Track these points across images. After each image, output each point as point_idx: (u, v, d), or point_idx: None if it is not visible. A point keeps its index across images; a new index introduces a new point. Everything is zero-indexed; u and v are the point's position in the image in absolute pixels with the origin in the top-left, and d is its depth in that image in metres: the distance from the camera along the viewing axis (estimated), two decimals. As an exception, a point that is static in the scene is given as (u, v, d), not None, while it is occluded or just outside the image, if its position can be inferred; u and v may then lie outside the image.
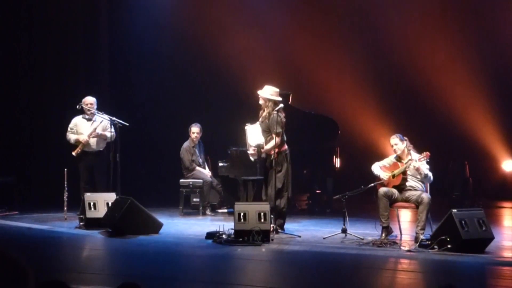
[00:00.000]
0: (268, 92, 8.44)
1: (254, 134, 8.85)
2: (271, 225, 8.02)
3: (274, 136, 8.30)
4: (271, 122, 8.32)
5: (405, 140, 8.01)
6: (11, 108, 12.16)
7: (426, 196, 7.78)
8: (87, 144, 9.68)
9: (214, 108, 12.85)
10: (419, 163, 7.76)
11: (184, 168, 10.77)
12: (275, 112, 8.30)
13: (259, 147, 8.63)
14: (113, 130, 9.66)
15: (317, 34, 13.14)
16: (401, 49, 12.76)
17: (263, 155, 8.65)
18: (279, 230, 8.41)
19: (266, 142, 8.50)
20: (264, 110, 8.50)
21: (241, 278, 6.46)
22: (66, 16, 12.52)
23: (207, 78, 13.21)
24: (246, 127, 8.87)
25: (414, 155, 7.93)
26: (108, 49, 13.07)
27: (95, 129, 9.70)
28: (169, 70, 13.15)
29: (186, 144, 10.81)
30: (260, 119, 8.56)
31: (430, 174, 7.86)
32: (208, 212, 10.64)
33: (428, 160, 7.82)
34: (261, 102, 8.50)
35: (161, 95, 13.10)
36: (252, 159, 8.91)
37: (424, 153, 7.78)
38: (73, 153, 9.68)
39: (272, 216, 8.09)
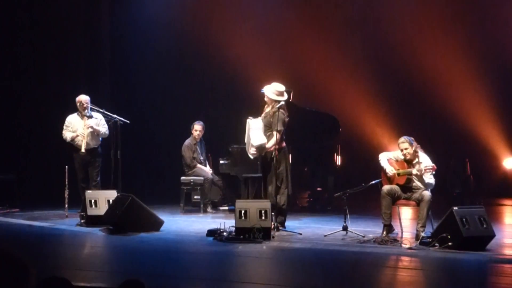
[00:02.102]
0: (271, 91, 8.40)
1: (256, 132, 8.60)
2: (272, 223, 8.02)
3: (275, 133, 8.29)
4: (275, 119, 8.31)
5: (413, 141, 7.98)
6: (12, 105, 12.15)
7: (426, 193, 7.78)
8: (86, 137, 9.63)
9: (215, 106, 12.85)
10: (424, 172, 7.75)
11: (185, 165, 10.78)
12: (280, 110, 8.29)
13: (261, 148, 8.46)
14: (106, 126, 9.67)
15: (319, 32, 13.13)
16: (403, 46, 12.75)
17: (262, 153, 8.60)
18: (280, 228, 8.41)
19: (266, 138, 8.47)
20: (268, 106, 8.49)
21: (242, 276, 6.46)
22: (67, 15, 12.53)
23: (209, 75, 13.21)
24: (248, 120, 8.71)
25: (423, 156, 7.90)
26: (109, 47, 13.07)
27: (87, 118, 9.65)
28: (170, 67, 13.15)
29: (187, 142, 10.83)
30: (263, 114, 8.52)
31: (432, 181, 7.86)
32: (209, 209, 10.65)
33: (433, 173, 7.81)
34: (266, 98, 8.48)
35: (162, 92, 13.10)
36: (251, 157, 8.80)
37: (431, 165, 7.76)
38: (82, 150, 9.61)
39: (272, 213, 8.10)
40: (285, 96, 8.48)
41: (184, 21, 12.99)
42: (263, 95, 8.53)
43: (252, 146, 8.52)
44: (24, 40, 12.30)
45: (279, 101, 8.35)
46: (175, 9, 13.04)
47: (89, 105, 9.73)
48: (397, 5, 13.01)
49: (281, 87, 8.44)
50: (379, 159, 8.18)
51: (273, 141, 8.32)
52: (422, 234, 7.61)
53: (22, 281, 2.47)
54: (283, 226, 8.52)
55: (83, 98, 9.74)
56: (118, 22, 13.08)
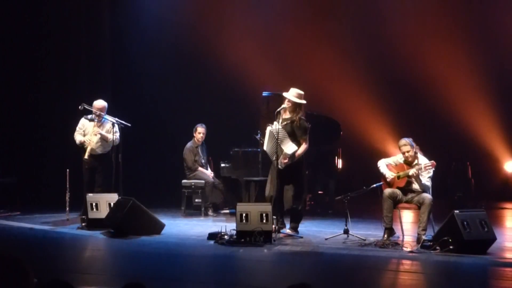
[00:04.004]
0: (293, 95, 8.29)
1: (286, 141, 8.23)
2: (273, 226, 8.02)
3: (301, 141, 8.25)
4: (298, 128, 8.26)
5: (413, 142, 8.01)
6: (13, 108, 12.16)
7: (427, 197, 7.79)
8: (92, 145, 9.61)
9: (217, 109, 12.84)
10: (422, 170, 7.77)
11: (187, 168, 10.78)
12: (302, 118, 8.26)
13: (294, 156, 8.22)
14: (118, 133, 9.58)
15: (319, 35, 13.13)
16: (404, 50, 12.74)
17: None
18: (292, 233, 8.42)
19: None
20: (286, 112, 8.35)
21: (243, 279, 6.46)
22: (68, 16, 12.52)
23: (210, 78, 13.21)
24: (268, 128, 8.36)
25: (421, 158, 7.93)
26: (110, 50, 13.07)
27: (96, 125, 9.63)
28: (172, 71, 13.15)
29: (189, 144, 10.82)
30: (283, 121, 8.28)
31: (428, 183, 7.88)
32: (210, 212, 10.65)
33: (433, 169, 7.83)
34: (287, 105, 8.26)
35: (163, 95, 13.10)
36: (280, 167, 8.26)
37: (431, 162, 7.79)
38: (86, 157, 9.59)
39: (274, 217, 8.08)
40: (304, 100, 8.34)
41: (187, 24, 12.99)
42: (277, 100, 8.45)
43: (287, 155, 8.21)
44: (24, 43, 12.29)
45: (300, 105, 8.29)
46: (177, 12, 13.04)
47: (103, 114, 9.64)
48: (400, 9, 13.00)
49: (300, 90, 8.34)
50: (378, 166, 8.20)
51: (302, 149, 8.27)
52: (423, 237, 7.62)
53: (20, 283, 2.48)
54: (297, 231, 8.51)
55: (99, 106, 9.65)
56: (119, 25, 13.08)
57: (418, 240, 7.72)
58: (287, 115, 8.37)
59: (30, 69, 12.33)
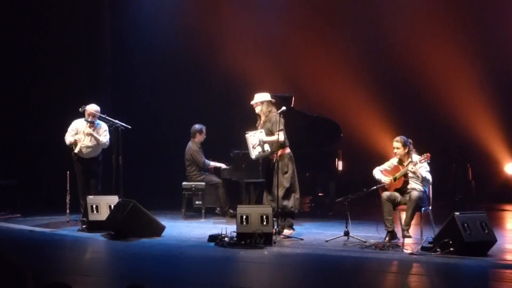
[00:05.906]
0: (260, 97, 8.56)
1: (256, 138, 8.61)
2: (274, 228, 8.02)
3: (278, 133, 8.30)
4: (272, 123, 8.35)
5: (409, 143, 8.04)
6: (13, 110, 12.16)
7: (414, 193, 7.86)
8: (83, 147, 9.63)
9: (216, 111, 12.85)
10: (418, 165, 7.82)
11: (198, 169, 10.67)
12: (272, 113, 8.39)
13: (261, 141, 8.41)
14: (108, 137, 9.64)
15: (320, 37, 13.14)
16: (404, 52, 12.74)
17: (269, 155, 8.53)
18: (288, 232, 8.44)
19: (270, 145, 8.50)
20: (261, 117, 8.60)
21: (243, 281, 6.46)
22: (68, 18, 12.53)
23: (209, 81, 13.22)
24: (246, 136, 8.62)
25: (415, 157, 7.98)
26: (110, 52, 13.07)
27: (88, 124, 9.65)
28: (171, 73, 13.16)
29: (194, 146, 10.74)
30: (260, 126, 8.59)
31: (429, 176, 7.89)
32: (231, 211, 10.40)
33: (428, 161, 7.86)
34: (257, 110, 8.61)
35: (163, 97, 13.11)
36: (253, 156, 8.57)
37: (425, 154, 7.83)
38: (75, 151, 9.60)
39: (274, 218, 8.10)
40: (272, 99, 8.62)
41: (186, 26, 13.00)
42: (277, 102, 8.61)
43: (254, 147, 8.45)
44: (25, 46, 12.30)
45: (267, 103, 8.53)
46: (177, 14, 13.05)
47: (97, 116, 9.66)
48: (401, 10, 12.99)
49: (265, 92, 8.62)
50: (373, 174, 8.24)
51: (272, 138, 8.33)
52: (406, 233, 7.79)
53: (19, 283, 2.48)
54: (292, 228, 8.56)
55: (94, 108, 9.70)
56: (119, 27, 13.09)
57: (402, 235, 7.86)
58: (262, 118, 8.59)
59: (30, 70, 12.33)
